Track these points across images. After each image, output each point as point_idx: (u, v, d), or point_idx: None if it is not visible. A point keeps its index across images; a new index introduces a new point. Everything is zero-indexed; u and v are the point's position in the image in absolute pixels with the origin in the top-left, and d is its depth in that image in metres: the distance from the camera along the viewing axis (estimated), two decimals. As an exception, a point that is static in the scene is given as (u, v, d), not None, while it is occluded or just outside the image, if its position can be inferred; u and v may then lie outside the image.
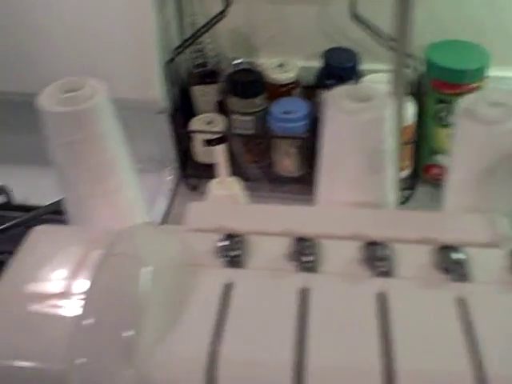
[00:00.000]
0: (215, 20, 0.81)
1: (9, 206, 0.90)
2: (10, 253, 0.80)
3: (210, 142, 0.88)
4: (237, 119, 0.85)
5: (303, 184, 0.89)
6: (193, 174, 0.92)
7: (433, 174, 0.90)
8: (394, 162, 0.46)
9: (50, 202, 0.85)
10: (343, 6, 0.83)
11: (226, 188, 0.47)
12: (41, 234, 0.39)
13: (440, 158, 0.87)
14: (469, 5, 0.84)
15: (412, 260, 0.35)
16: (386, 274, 0.34)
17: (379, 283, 0.33)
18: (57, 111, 0.43)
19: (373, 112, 0.40)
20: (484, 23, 0.85)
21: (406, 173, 0.86)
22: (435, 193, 0.88)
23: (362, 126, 0.40)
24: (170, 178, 0.93)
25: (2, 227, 0.82)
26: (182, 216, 0.87)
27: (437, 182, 0.89)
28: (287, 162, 0.86)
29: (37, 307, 0.34)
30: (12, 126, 0.97)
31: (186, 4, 0.86)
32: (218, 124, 0.88)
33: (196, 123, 0.89)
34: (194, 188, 0.92)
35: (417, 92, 0.82)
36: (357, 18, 0.77)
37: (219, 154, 0.46)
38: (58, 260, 0.36)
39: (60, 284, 0.34)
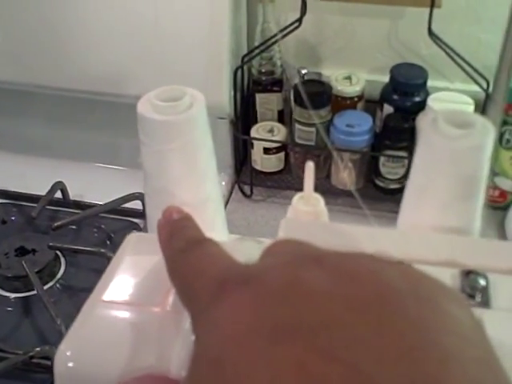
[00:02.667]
0: (290, 28, 0.81)
1: (64, 203, 0.91)
2: (66, 249, 0.82)
3: (268, 150, 0.89)
4: (299, 129, 0.85)
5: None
6: (248, 181, 0.92)
7: (490, 197, 0.88)
8: (484, 189, 0.45)
9: (106, 202, 0.86)
10: (413, 21, 0.83)
11: (309, 204, 0.47)
12: (136, 242, 0.39)
13: (499, 181, 0.86)
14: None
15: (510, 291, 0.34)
16: (483, 304, 0.34)
17: (477, 313, 0.33)
18: (155, 118, 0.43)
19: (474, 139, 0.39)
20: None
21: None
22: (490, 215, 0.87)
23: (461, 153, 0.40)
24: (224, 183, 0.93)
25: (58, 224, 0.84)
26: (236, 222, 0.88)
27: (493, 205, 0.88)
28: (344, 175, 0.86)
29: (131, 316, 0.34)
30: (72, 122, 0.99)
31: (259, 11, 0.86)
32: (279, 133, 0.88)
33: (256, 131, 0.89)
34: (248, 195, 0.93)
35: (482, 113, 0.81)
36: (432, 34, 0.76)
37: (309, 169, 0.46)
38: (155, 269, 0.36)
39: (157, 294, 0.34)
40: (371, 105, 0.88)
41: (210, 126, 0.90)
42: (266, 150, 0.88)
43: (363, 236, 0.39)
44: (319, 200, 0.48)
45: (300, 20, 0.79)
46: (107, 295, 0.35)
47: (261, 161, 0.89)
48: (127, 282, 0.36)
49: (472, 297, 0.34)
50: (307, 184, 0.47)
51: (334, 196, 0.89)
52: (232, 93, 0.85)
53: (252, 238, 0.38)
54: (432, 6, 0.75)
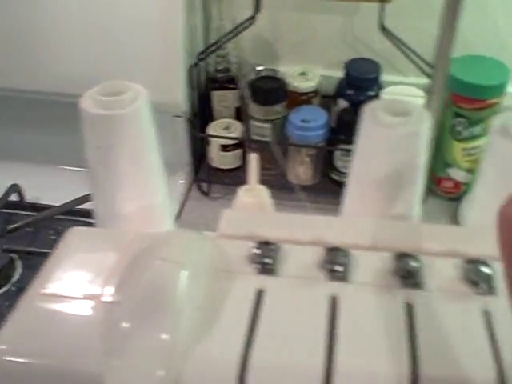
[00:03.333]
0: (244, 26, 0.82)
1: (21, 205, 0.90)
2: (22, 252, 0.81)
3: (225, 148, 0.89)
4: (255, 126, 0.85)
5: (314, 193, 0.90)
6: (206, 178, 0.92)
7: (444, 188, 0.90)
8: (423, 176, 0.46)
9: (62, 203, 0.86)
10: (368, 16, 0.84)
11: (254, 195, 0.48)
12: (76, 236, 0.39)
13: (452, 172, 0.88)
14: (491, 21, 0.85)
15: (440, 272, 0.35)
16: (415, 285, 0.35)
17: (407, 294, 0.34)
18: (97, 113, 0.43)
19: (410, 126, 0.40)
20: (506, 40, 0.86)
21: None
22: (445, 205, 0.89)
23: (399, 140, 0.41)
24: (182, 181, 0.93)
25: (14, 226, 0.83)
26: (194, 219, 0.88)
27: (447, 195, 0.89)
28: (300, 171, 0.87)
29: (69, 309, 0.34)
30: (25, 123, 0.98)
31: (213, 9, 0.87)
32: (236, 130, 0.89)
33: (213, 128, 0.89)
34: (205, 193, 0.93)
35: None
36: (384, 29, 0.78)
37: (252, 161, 0.46)
38: (93, 262, 0.36)
39: (93, 286, 0.34)
40: (327, 100, 0.89)
41: (167, 125, 0.90)
42: (223, 148, 0.88)
43: (301, 224, 0.40)
44: (264, 191, 0.49)
45: (253, 17, 0.80)
46: (45, 288, 0.35)
47: (218, 158, 0.90)
48: (65, 276, 0.36)
49: (406, 278, 0.35)
50: (251, 176, 0.47)
51: (291, 191, 0.90)
52: (188, 91, 0.85)
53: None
54: (383, 1, 0.76)
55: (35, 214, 0.88)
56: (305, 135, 0.83)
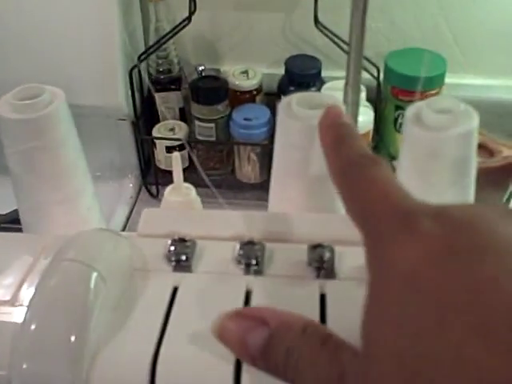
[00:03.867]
0: (180, 27, 0.82)
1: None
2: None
3: (171, 149, 0.89)
4: (199, 126, 0.85)
5: (264, 190, 0.90)
6: (154, 181, 0.92)
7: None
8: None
9: (7, 212, 0.85)
10: (307, 13, 0.85)
11: (180, 194, 0.48)
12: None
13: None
14: (427, 14, 0.86)
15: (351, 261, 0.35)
16: (328, 275, 0.35)
17: (321, 284, 0.34)
18: (13, 118, 0.43)
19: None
20: (442, 32, 0.87)
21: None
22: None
23: (313, 132, 0.41)
24: (131, 185, 0.93)
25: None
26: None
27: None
28: (248, 169, 0.87)
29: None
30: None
31: (151, 11, 0.86)
32: (180, 131, 0.89)
33: (158, 130, 0.89)
34: (155, 195, 0.93)
35: (375, 99, 0.84)
36: (319, 24, 0.78)
37: (175, 161, 0.46)
38: (7, 267, 0.36)
39: (6, 291, 0.34)
40: (270, 97, 0.90)
41: (112, 129, 0.90)
42: (169, 149, 0.88)
43: (223, 220, 0.40)
44: (191, 189, 0.49)
45: (189, 18, 0.80)
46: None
47: (164, 160, 0.90)
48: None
49: (319, 269, 0.35)
50: (176, 174, 0.47)
51: (239, 190, 0.90)
52: (130, 93, 0.85)
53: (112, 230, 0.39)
54: (316, -4, 0.76)
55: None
56: (249, 133, 0.84)
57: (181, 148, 0.89)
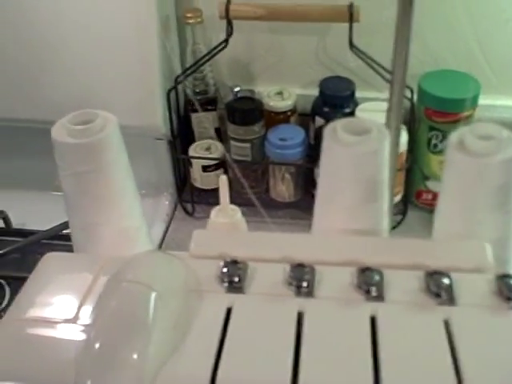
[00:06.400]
0: (217, 49, 0.84)
1: (7, 231, 0.91)
2: (10, 278, 0.82)
3: (207, 168, 0.91)
4: (235, 146, 0.87)
5: (298, 209, 0.91)
6: (190, 199, 0.94)
7: (424, 200, 0.92)
8: (388, 191, 0.48)
9: (49, 228, 0.87)
10: (341, 36, 0.86)
11: (226, 216, 0.49)
12: (51, 261, 0.40)
13: (431, 184, 0.90)
14: (459, 36, 0.87)
15: (403, 285, 0.36)
16: (378, 298, 0.36)
17: (371, 307, 0.35)
18: (68, 142, 0.45)
19: (369, 145, 0.42)
20: (475, 53, 0.88)
21: (397, 198, 0.88)
22: (426, 218, 0.90)
23: (359, 159, 0.42)
24: (167, 203, 0.95)
25: (1, 252, 0.84)
26: (179, 240, 0.89)
27: (427, 208, 0.91)
28: (282, 188, 0.88)
29: (45, 332, 0.35)
30: (9, 151, 0.99)
31: (188, 33, 0.88)
32: (216, 150, 0.90)
33: (194, 149, 0.91)
34: (190, 213, 0.94)
35: (410, 120, 0.85)
36: (353, 47, 0.80)
37: (222, 182, 0.48)
38: (68, 286, 0.37)
39: (68, 310, 0.36)
40: (304, 118, 0.91)
41: (149, 148, 0.92)
42: (205, 168, 0.90)
43: (271, 242, 0.41)
44: (236, 211, 0.50)
45: (226, 41, 0.81)
46: (21, 314, 0.36)
47: (200, 179, 0.91)
48: (40, 301, 0.37)
49: (368, 292, 0.36)
50: (222, 197, 0.49)
51: (274, 209, 0.91)
52: (167, 114, 0.87)
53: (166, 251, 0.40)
54: (351, 20, 0.78)
55: (22, 239, 0.89)
56: (283, 153, 0.85)
57: (217, 167, 0.91)
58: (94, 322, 0.33)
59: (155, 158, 0.93)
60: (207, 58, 0.83)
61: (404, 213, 0.88)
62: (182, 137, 0.93)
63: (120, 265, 0.36)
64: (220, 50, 0.82)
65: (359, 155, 0.42)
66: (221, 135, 0.93)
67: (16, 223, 0.93)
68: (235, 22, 0.85)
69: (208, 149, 0.91)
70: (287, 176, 0.88)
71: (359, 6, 0.79)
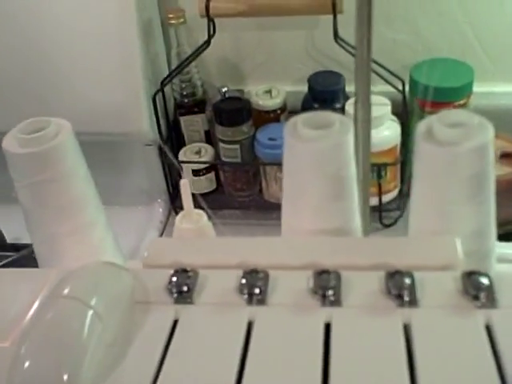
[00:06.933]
0: (200, 49, 0.82)
1: (1, 246, 0.90)
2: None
3: (197, 172, 0.89)
4: (224, 148, 0.85)
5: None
6: (183, 205, 0.91)
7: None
8: (364, 187, 0.46)
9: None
10: (329, 29, 0.83)
11: (191, 221, 0.47)
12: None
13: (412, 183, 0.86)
14: (452, 22, 0.84)
15: (362, 288, 0.34)
16: (335, 302, 0.33)
17: (327, 313, 0.32)
18: (19, 152, 0.43)
19: (330, 139, 0.39)
20: (468, 38, 0.85)
21: (393, 194, 0.85)
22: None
23: (320, 154, 0.40)
24: (160, 210, 0.93)
25: (-6, 267, 0.83)
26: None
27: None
28: (275, 189, 0.86)
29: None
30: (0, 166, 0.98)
31: (172, 35, 0.87)
32: (206, 154, 0.88)
33: (184, 154, 0.89)
34: (185, 219, 0.92)
35: (402, 112, 0.82)
36: (339, 39, 0.77)
37: (183, 187, 0.45)
38: (8, 303, 0.36)
39: (5, 327, 0.34)
40: (295, 116, 0.88)
41: (139, 154, 0.90)
42: (195, 172, 0.88)
43: (228, 248, 0.39)
44: (202, 216, 0.48)
45: (208, 41, 0.79)
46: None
47: (192, 183, 0.89)
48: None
49: (323, 296, 0.34)
50: (185, 201, 0.47)
51: (268, 211, 0.89)
52: (155, 118, 0.85)
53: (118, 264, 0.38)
54: (334, 12, 0.75)
55: (15, 254, 0.88)
56: (274, 153, 0.83)
57: (208, 171, 0.89)
58: (24, 340, 0.31)
59: (146, 165, 0.91)
60: (190, 59, 0.81)
61: (400, 209, 0.85)
62: (172, 141, 0.91)
63: (58, 280, 0.34)
64: (203, 51, 0.80)
65: (320, 150, 0.40)
66: (211, 138, 0.91)
67: (11, 238, 0.92)
68: (221, 21, 0.83)
69: (198, 152, 0.89)
70: (279, 176, 0.85)
71: (343, -4, 0.76)
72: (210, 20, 0.79)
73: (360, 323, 0.32)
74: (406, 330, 0.31)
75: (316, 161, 0.40)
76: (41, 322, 0.31)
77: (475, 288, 0.32)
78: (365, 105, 0.49)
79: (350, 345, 0.31)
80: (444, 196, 0.40)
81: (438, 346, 0.30)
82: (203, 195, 0.90)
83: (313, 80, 0.84)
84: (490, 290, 0.32)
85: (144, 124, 0.84)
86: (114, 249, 0.50)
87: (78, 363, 0.30)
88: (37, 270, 0.43)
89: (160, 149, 0.89)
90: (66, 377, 0.29)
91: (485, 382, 0.28)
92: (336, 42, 0.77)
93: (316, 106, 0.83)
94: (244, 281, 0.34)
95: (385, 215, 0.84)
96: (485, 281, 0.33)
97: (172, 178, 0.92)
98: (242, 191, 0.88)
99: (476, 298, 0.32)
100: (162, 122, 0.87)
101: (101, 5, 0.78)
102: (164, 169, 0.90)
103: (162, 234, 0.91)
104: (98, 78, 0.81)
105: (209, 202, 0.91)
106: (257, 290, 0.34)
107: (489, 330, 0.31)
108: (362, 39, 0.47)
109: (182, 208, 0.92)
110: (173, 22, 0.83)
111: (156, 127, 0.86)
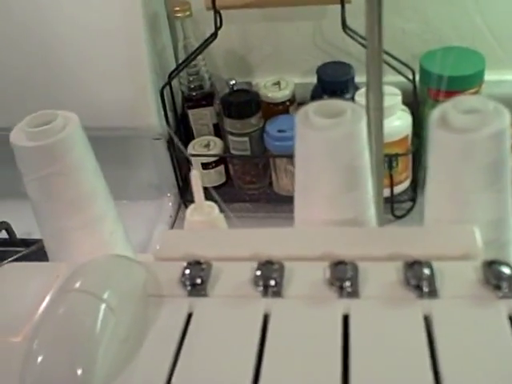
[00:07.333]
0: (207, 42, 0.81)
1: (11, 242, 0.90)
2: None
3: (207, 165, 0.88)
4: (233, 140, 0.84)
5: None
6: (193, 199, 0.91)
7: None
8: (375, 177, 0.45)
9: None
10: (337, 19, 0.82)
11: (202, 213, 0.46)
12: (9, 272, 0.38)
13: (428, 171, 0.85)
14: (462, 10, 0.83)
15: (380, 279, 0.33)
16: (352, 294, 0.33)
17: (344, 304, 0.32)
18: (27, 146, 0.42)
19: (342, 128, 0.39)
20: (478, 26, 0.84)
21: (405, 185, 0.84)
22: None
23: (332, 143, 0.39)
24: (170, 204, 0.92)
25: (3, 263, 0.83)
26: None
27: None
28: (286, 181, 0.85)
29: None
30: (12, 161, 0.98)
31: (179, 28, 0.86)
32: (215, 147, 0.88)
33: (193, 147, 0.88)
34: (194, 213, 0.91)
35: (413, 102, 0.81)
36: (347, 29, 0.76)
37: (194, 179, 0.45)
38: (20, 297, 0.35)
39: (17, 323, 0.33)
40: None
41: (148, 148, 0.89)
42: (205, 166, 0.87)
43: (241, 239, 0.38)
44: (213, 208, 0.47)
45: (215, 33, 0.79)
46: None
47: (201, 177, 0.88)
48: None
49: (341, 288, 0.33)
50: (196, 194, 0.46)
51: (279, 203, 0.88)
52: (163, 112, 0.84)
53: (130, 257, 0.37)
54: (342, 1, 0.74)
55: (25, 249, 0.87)
56: (283, 145, 0.82)
57: (217, 164, 0.88)
58: (37, 335, 0.30)
59: (155, 158, 0.91)
60: (198, 52, 0.81)
61: (413, 200, 0.84)
62: (180, 135, 0.90)
63: (72, 272, 0.33)
64: (210, 43, 0.80)
65: (333, 139, 0.39)
66: (219, 131, 0.90)
67: (21, 233, 0.91)
68: (228, 13, 0.82)
69: (207, 145, 0.88)
70: (290, 168, 0.84)
71: (351, -14, 0.75)
72: (217, 12, 0.78)
73: (379, 315, 0.32)
74: (427, 321, 0.31)
75: (329, 150, 0.39)
76: (53, 317, 0.31)
77: (496, 277, 0.32)
78: (376, 93, 0.48)
79: (370, 337, 0.30)
80: (460, 184, 0.39)
81: (460, 337, 0.29)
82: (213, 188, 0.90)
83: (321, 71, 0.83)
84: (511, 279, 0.32)
85: (152, 118, 0.83)
86: (125, 243, 0.49)
87: (92, 358, 0.29)
88: (48, 264, 0.43)
89: (169, 142, 0.88)
90: (79, 372, 0.29)
91: (509, 373, 0.28)
92: (344, 32, 0.76)
93: (325, 97, 0.82)
94: (259, 272, 0.34)
95: (396, 206, 0.83)
96: (506, 270, 0.32)
97: (181, 171, 0.92)
98: (252, 184, 0.87)
99: (498, 287, 0.32)
100: (170, 115, 0.86)
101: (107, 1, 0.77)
102: (173, 162, 0.90)
103: (171, 229, 0.91)
104: (105, 72, 0.81)
105: (219, 194, 0.90)
106: (272, 282, 0.33)
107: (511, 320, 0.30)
108: (373, 28, 0.46)
109: (191, 202, 0.91)
110: (179, 15, 0.82)
111: (164, 121, 0.85)
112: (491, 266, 0.32)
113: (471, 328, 0.30)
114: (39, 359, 0.29)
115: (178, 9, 0.82)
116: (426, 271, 0.32)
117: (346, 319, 0.32)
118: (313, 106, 0.40)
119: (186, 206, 0.92)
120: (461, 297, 0.32)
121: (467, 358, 0.28)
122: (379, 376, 0.28)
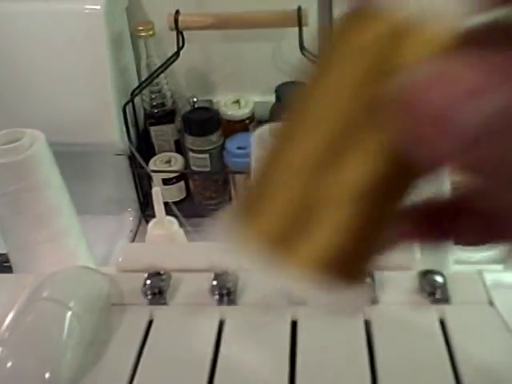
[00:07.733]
0: (170, 61, 0.83)
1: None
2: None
3: (167, 181, 0.90)
4: (193, 157, 0.87)
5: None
6: (153, 214, 0.93)
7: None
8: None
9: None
10: (295, 41, 0.86)
11: (163, 228, 0.48)
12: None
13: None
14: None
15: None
16: (301, 302, 0.36)
17: (292, 312, 0.35)
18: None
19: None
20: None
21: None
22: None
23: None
24: (131, 218, 0.94)
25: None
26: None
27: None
28: (245, 197, 0.88)
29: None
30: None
31: (141, 47, 0.88)
32: (176, 163, 0.90)
33: (154, 163, 0.90)
34: (156, 227, 0.93)
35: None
36: (305, 51, 0.80)
37: (155, 196, 0.47)
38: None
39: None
40: (263, 125, 0.91)
41: (110, 164, 0.91)
42: (166, 181, 0.90)
43: (198, 252, 0.41)
44: (173, 222, 0.50)
45: (178, 53, 0.81)
46: None
47: (162, 192, 0.90)
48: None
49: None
50: (157, 209, 0.48)
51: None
52: (125, 128, 0.86)
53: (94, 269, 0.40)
54: (300, 24, 0.78)
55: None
56: (242, 162, 0.84)
57: (178, 180, 0.90)
58: (6, 341, 0.32)
59: (117, 174, 0.93)
60: (160, 70, 0.83)
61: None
62: (142, 151, 0.92)
63: (38, 283, 0.36)
64: (172, 62, 0.82)
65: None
66: (181, 147, 0.92)
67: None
68: (190, 33, 0.85)
69: (168, 162, 0.90)
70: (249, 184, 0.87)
71: (308, 9, 0.79)
72: (179, 32, 0.81)
73: (325, 321, 0.34)
74: (367, 325, 0.34)
75: None
76: (21, 324, 0.33)
77: (431, 285, 0.35)
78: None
79: (318, 343, 0.33)
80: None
81: (396, 339, 0.32)
82: (174, 203, 0.92)
83: (280, 90, 0.86)
84: (443, 287, 0.35)
85: (114, 134, 0.85)
86: (88, 255, 0.51)
87: (59, 362, 0.31)
88: (15, 275, 0.45)
89: (130, 158, 0.90)
90: (47, 375, 0.31)
91: (439, 371, 0.31)
92: (302, 53, 0.80)
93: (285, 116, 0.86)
94: (215, 282, 0.36)
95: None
96: (439, 279, 0.35)
97: (142, 187, 0.94)
98: (212, 199, 0.90)
99: (431, 294, 0.35)
100: (132, 131, 0.88)
101: (71, 18, 0.79)
102: (134, 178, 0.92)
103: (132, 242, 0.92)
104: (69, 89, 0.83)
105: (179, 210, 0.93)
106: (227, 291, 0.36)
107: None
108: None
109: (152, 217, 0.93)
110: (142, 34, 0.84)
111: (126, 137, 0.87)
112: (426, 275, 0.36)
113: (406, 331, 0.33)
114: (9, 364, 0.31)
115: (141, 28, 0.84)
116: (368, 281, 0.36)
117: (294, 325, 0.34)
118: (268, 128, 0.43)
119: (147, 221, 0.94)
120: (398, 303, 0.35)
121: (402, 358, 0.31)
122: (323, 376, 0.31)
